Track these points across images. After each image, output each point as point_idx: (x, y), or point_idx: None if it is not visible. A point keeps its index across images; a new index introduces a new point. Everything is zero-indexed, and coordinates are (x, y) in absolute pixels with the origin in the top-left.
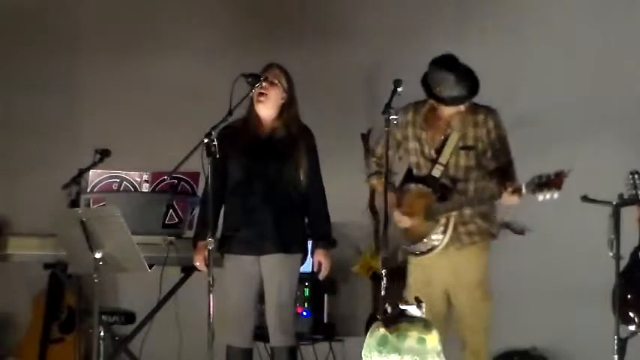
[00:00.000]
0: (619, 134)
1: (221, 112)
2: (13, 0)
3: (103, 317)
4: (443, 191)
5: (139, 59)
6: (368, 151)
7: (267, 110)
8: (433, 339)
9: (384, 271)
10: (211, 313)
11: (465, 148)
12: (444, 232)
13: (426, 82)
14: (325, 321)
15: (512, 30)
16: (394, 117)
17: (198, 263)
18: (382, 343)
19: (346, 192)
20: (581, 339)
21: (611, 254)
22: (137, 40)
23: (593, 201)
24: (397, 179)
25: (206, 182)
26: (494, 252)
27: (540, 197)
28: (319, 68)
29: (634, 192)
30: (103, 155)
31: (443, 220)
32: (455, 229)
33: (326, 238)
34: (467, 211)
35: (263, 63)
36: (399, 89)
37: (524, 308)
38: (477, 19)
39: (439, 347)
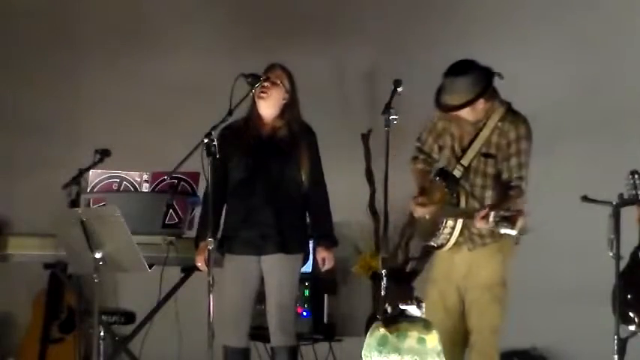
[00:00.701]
0: (619, 134)
1: (221, 112)
2: (14, 0)
3: (103, 317)
4: (457, 193)
5: (139, 59)
6: (368, 151)
7: (268, 109)
8: (433, 339)
9: (384, 271)
10: (211, 313)
11: (487, 155)
12: (451, 234)
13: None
14: (325, 321)
15: (512, 29)
16: (394, 117)
17: (200, 263)
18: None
19: (346, 192)
20: (581, 339)
21: (611, 254)
22: (137, 40)
23: (593, 201)
24: (437, 166)
25: (207, 182)
26: None
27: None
28: (319, 68)
29: (634, 192)
30: (103, 155)
31: (450, 222)
32: (466, 230)
33: (328, 237)
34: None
35: (263, 63)
36: (399, 89)
37: (524, 308)
38: (478, 19)
39: (439, 347)
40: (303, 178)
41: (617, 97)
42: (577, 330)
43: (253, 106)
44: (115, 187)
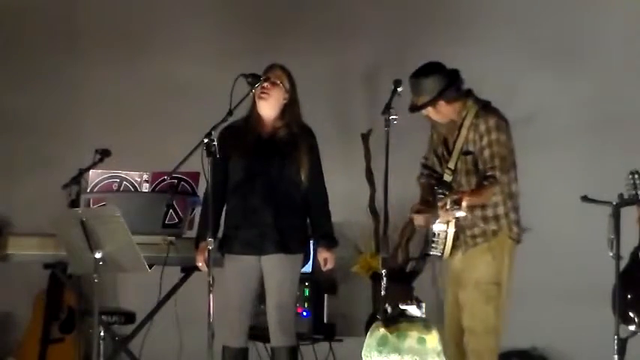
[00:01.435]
0: (619, 134)
1: (221, 112)
2: (14, 0)
3: (103, 317)
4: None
5: (139, 59)
6: (368, 151)
7: (268, 110)
8: (433, 339)
9: (384, 271)
10: (211, 313)
11: (466, 153)
12: (445, 242)
13: None
14: (325, 321)
15: (512, 30)
16: (394, 117)
17: (200, 264)
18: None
19: (346, 192)
20: (581, 339)
21: (611, 254)
22: (137, 41)
23: (593, 201)
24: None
25: (207, 182)
26: None
27: (456, 214)
28: (319, 68)
29: (634, 192)
30: (103, 155)
31: (442, 230)
32: (461, 234)
33: (328, 237)
34: (469, 216)
35: (264, 63)
36: (399, 89)
37: (524, 308)
38: (477, 19)
39: (439, 347)
40: (303, 178)
41: (617, 96)
42: (577, 330)
43: (253, 106)
44: (115, 187)
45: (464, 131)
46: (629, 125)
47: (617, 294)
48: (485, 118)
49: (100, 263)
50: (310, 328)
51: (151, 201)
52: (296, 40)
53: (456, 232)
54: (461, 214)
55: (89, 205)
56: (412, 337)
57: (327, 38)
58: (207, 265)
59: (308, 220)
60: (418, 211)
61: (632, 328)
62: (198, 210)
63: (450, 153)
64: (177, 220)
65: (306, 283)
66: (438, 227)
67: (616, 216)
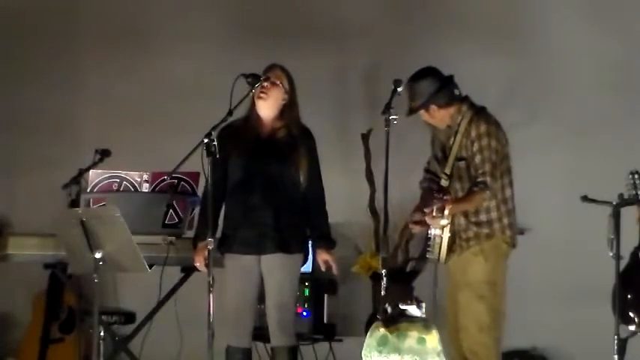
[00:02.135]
0: (619, 134)
1: (221, 112)
2: (13, 0)
3: (103, 317)
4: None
5: (140, 59)
6: (368, 151)
7: (267, 110)
8: (433, 339)
9: (384, 271)
10: (211, 313)
11: (460, 159)
12: (440, 246)
13: None
14: (325, 321)
15: (511, 31)
16: (394, 117)
17: (198, 264)
18: (382, 343)
19: (346, 192)
20: (581, 339)
21: (611, 254)
22: (137, 40)
23: (593, 201)
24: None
25: (206, 182)
26: None
27: (441, 222)
28: (319, 68)
29: (634, 192)
30: (103, 155)
31: (437, 238)
32: (457, 238)
33: (326, 238)
34: (462, 221)
35: (263, 63)
36: (399, 89)
37: (524, 308)
38: (477, 20)
39: (439, 347)
40: (301, 179)
41: (617, 96)
42: (577, 330)
43: (252, 106)
44: (115, 187)
45: (459, 137)
46: (629, 125)
47: (617, 294)
48: (477, 124)
49: (100, 263)
50: (310, 328)
51: (151, 201)
52: (296, 40)
53: (451, 237)
54: (444, 221)
55: (89, 205)
56: (412, 337)
57: (327, 38)
58: (208, 265)
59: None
60: (415, 222)
61: (632, 328)
62: (197, 210)
63: (446, 159)
64: (177, 220)
65: (306, 283)
66: (433, 232)
67: (616, 216)
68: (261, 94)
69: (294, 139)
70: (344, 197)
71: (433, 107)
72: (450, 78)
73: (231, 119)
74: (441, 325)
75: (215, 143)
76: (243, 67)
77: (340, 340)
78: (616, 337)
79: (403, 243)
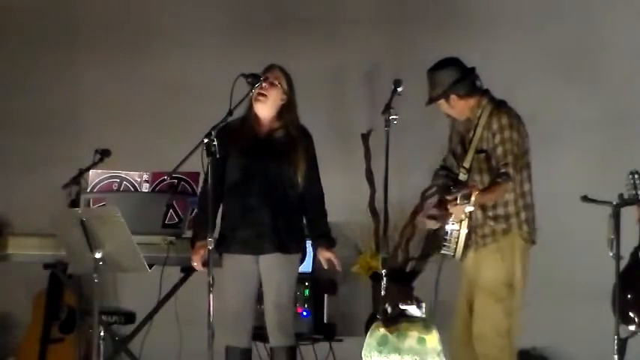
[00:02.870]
0: (619, 134)
1: (221, 112)
2: (13, 0)
3: (103, 317)
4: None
5: (139, 59)
6: (368, 151)
7: (266, 110)
8: (433, 339)
9: (384, 271)
10: (211, 313)
11: (480, 151)
12: (457, 242)
13: None
14: (325, 321)
15: (512, 30)
16: (394, 117)
17: (196, 263)
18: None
19: (346, 192)
20: (581, 339)
21: (611, 254)
22: (137, 40)
23: (593, 201)
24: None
25: (204, 182)
26: None
27: (466, 209)
28: (319, 68)
29: (634, 192)
30: (103, 155)
31: (455, 233)
32: (473, 234)
33: (327, 237)
34: (479, 215)
35: (263, 63)
36: (399, 89)
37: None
38: (477, 19)
39: (439, 347)
40: (299, 179)
41: (617, 96)
42: (577, 330)
43: (251, 106)
44: (115, 187)
45: (479, 130)
46: (629, 125)
47: (617, 294)
48: (498, 117)
49: (100, 263)
50: (310, 328)
51: (151, 201)
52: (296, 40)
53: (468, 233)
54: (470, 208)
55: (89, 205)
56: (412, 337)
57: (327, 38)
58: (207, 265)
59: (304, 220)
60: (430, 217)
61: (632, 328)
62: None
63: (465, 152)
64: (177, 220)
65: (306, 283)
66: (450, 227)
67: (616, 216)
68: (260, 95)
69: (292, 140)
70: (344, 197)
71: (453, 97)
72: (472, 70)
73: (230, 119)
74: (441, 325)
75: (215, 143)
76: (243, 67)
77: (340, 340)
78: (616, 337)
79: (403, 243)
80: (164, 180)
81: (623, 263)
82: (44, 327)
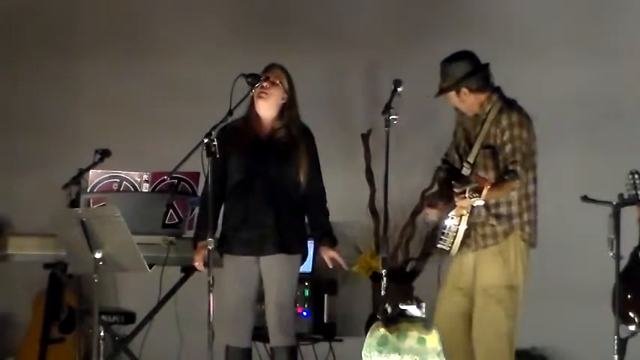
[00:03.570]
0: (619, 134)
1: (221, 112)
2: (13, 0)
3: (103, 317)
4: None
5: (139, 59)
6: (368, 151)
7: (267, 110)
8: (433, 339)
9: (384, 271)
10: (211, 313)
11: (486, 147)
12: (455, 237)
13: None
14: (325, 321)
15: (513, 30)
16: (394, 117)
17: (197, 263)
18: (382, 343)
19: (346, 192)
20: (581, 339)
21: (611, 254)
22: (137, 40)
23: (593, 201)
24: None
25: (206, 182)
26: None
27: (475, 203)
28: (319, 68)
29: (634, 192)
30: (103, 155)
31: (454, 228)
32: (472, 231)
33: (329, 236)
34: (482, 213)
35: (263, 63)
36: (399, 89)
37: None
38: (478, 18)
39: (439, 347)
40: (301, 179)
41: (617, 96)
42: (577, 330)
43: (252, 106)
44: (115, 187)
45: (486, 125)
46: (629, 125)
47: (617, 294)
48: (508, 114)
49: (100, 263)
50: (310, 328)
51: (151, 201)
52: (296, 40)
53: (467, 229)
54: (480, 202)
55: (89, 205)
56: (412, 337)
57: (327, 38)
58: (207, 265)
59: (306, 220)
60: (431, 205)
61: (632, 328)
62: (197, 210)
63: (470, 147)
64: (177, 220)
65: (306, 283)
66: (449, 222)
67: (616, 216)
68: (261, 94)
69: (293, 139)
70: (344, 197)
71: (464, 90)
72: (486, 65)
73: (231, 119)
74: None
75: (215, 143)
76: (243, 67)
77: (340, 340)
78: (616, 337)
79: (403, 243)
80: (164, 180)
81: (623, 263)
82: (44, 327)
